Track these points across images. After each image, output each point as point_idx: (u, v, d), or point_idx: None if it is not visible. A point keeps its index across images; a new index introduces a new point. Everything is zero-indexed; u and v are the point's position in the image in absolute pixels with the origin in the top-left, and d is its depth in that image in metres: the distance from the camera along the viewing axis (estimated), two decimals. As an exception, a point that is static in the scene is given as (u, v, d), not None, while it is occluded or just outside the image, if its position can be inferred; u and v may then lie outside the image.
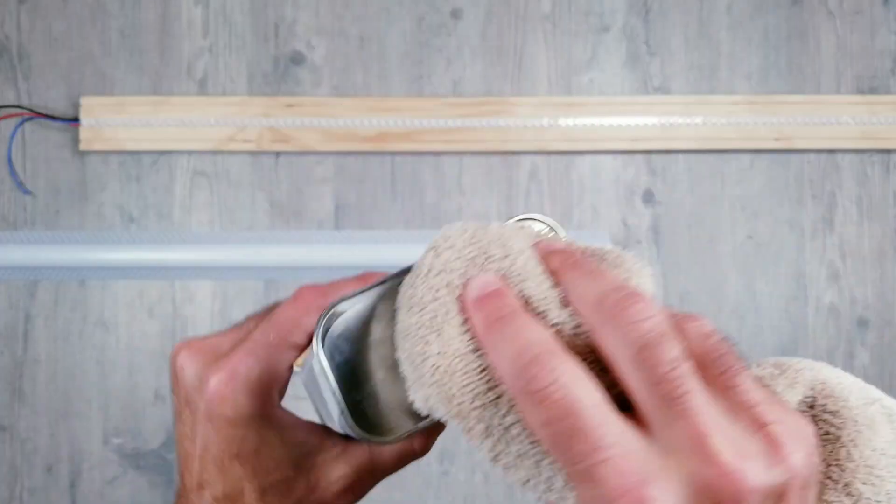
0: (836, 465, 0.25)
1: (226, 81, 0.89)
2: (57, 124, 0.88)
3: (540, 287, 0.24)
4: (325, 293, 0.30)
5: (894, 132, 0.87)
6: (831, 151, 0.88)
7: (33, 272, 0.87)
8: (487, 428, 0.23)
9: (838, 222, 0.89)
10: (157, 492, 0.88)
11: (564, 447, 0.21)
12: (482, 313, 0.23)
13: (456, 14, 0.89)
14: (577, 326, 0.23)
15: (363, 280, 0.30)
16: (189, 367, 0.30)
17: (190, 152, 0.88)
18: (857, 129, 0.87)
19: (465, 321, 0.23)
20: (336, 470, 0.31)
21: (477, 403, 0.22)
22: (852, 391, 0.26)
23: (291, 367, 0.31)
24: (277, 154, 0.89)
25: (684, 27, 0.89)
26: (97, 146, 0.87)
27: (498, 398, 0.22)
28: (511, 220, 0.28)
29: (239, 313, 0.88)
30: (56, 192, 0.88)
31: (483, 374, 0.23)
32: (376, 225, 0.88)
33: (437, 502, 0.88)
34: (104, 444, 0.88)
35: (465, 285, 0.24)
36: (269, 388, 0.30)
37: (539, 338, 0.22)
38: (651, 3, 0.89)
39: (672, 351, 0.21)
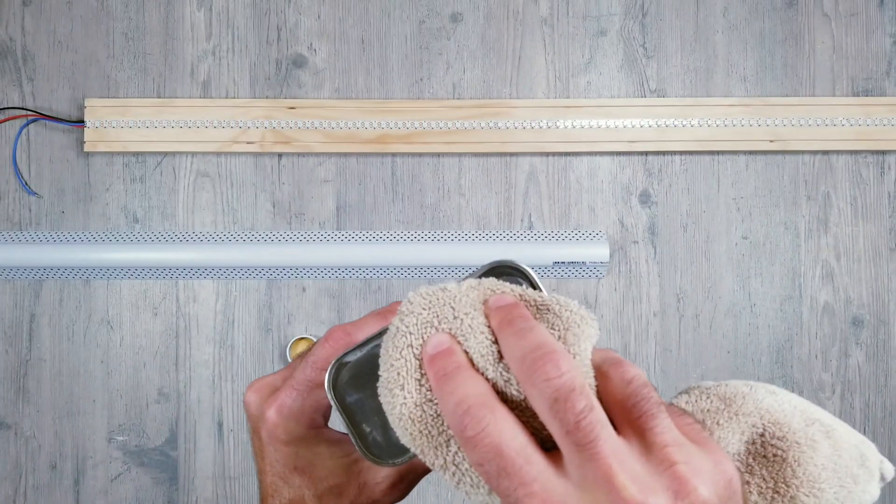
0: (784, 482, 0.29)
1: (229, 84, 0.89)
2: (61, 126, 0.89)
3: (481, 345, 0.27)
4: (351, 332, 0.35)
5: (888, 133, 0.88)
6: (826, 153, 0.89)
7: (38, 272, 0.88)
8: (444, 462, 0.27)
9: (833, 223, 0.89)
10: (160, 489, 0.88)
11: (496, 483, 0.24)
12: (433, 369, 0.27)
13: (455, 18, 0.90)
14: (508, 380, 0.27)
15: (384, 315, 0.35)
16: (253, 402, 0.37)
17: (193, 154, 0.89)
18: (852, 131, 0.88)
19: (423, 375, 0.28)
20: (380, 473, 0.37)
21: (433, 444, 0.27)
22: (794, 415, 0.29)
23: None
24: (279, 155, 0.89)
25: (680, 30, 0.90)
26: (101, 148, 0.88)
27: (448, 440, 0.27)
28: (483, 267, 0.32)
29: (242, 312, 0.89)
30: (61, 192, 0.89)
31: (437, 419, 0.27)
32: (377, 225, 0.89)
33: (437, 500, 0.89)
34: (108, 442, 0.88)
35: (424, 344, 0.28)
36: (313, 415, 0.36)
37: (474, 391, 0.26)
38: (648, 6, 0.90)
39: (580, 403, 0.24)
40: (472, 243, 0.88)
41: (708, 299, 0.89)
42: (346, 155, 0.89)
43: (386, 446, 0.31)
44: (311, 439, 0.37)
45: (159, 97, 0.89)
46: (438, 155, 0.89)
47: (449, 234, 0.89)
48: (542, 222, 0.89)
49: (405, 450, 0.30)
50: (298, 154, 0.89)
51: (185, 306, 0.89)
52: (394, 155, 0.89)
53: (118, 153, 0.89)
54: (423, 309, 0.28)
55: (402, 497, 0.39)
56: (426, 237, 0.88)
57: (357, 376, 0.32)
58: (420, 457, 0.27)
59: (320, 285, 0.89)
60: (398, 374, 0.28)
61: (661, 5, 0.90)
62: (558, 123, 0.88)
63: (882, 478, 0.30)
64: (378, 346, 0.31)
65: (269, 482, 0.38)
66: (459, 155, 0.89)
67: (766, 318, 0.89)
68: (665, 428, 0.24)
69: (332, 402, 0.32)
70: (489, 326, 0.28)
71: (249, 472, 0.88)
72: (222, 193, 0.89)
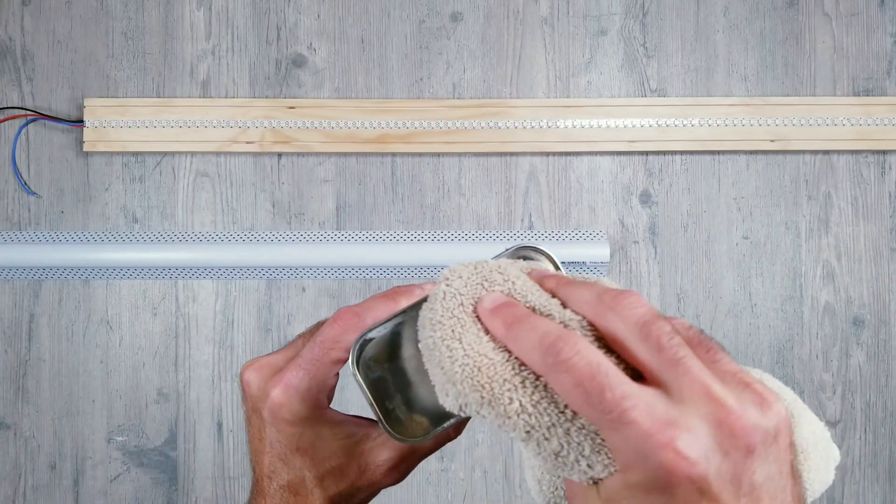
0: None
1: (228, 83, 0.89)
2: (61, 126, 0.89)
3: (541, 298, 0.29)
4: (360, 314, 0.35)
5: (889, 133, 0.88)
6: (827, 152, 0.89)
7: (38, 272, 0.88)
8: (520, 405, 0.26)
9: (834, 222, 0.89)
10: (159, 489, 0.88)
11: (596, 401, 0.25)
12: (498, 319, 0.28)
13: (455, 17, 0.90)
14: (578, 322, 0.28)
15: (391, 297, 0.36)
16: (254, 381, 0.37)
17: (193, 153, 0.89)
18: (853, 131, 0.88)
19: (481, 329, 0.28)
20: (381, 454, 0.37)
21: (507, 387, 0.27)
22: (784, 391, 0.31)
23: (336, 376, 0.37)
24: (279, 155, 0.89)
25: (681, 30, 0.90)
26: (101, 147, 0.88)
27: (523, 381, 0.27)
28: (507, 251, 0.33)
29: (241, 313, 0.89)
30: (60, 192, 0.89)
31: (506, 363, 0.27)
32: (377, 225, 0.89)
33: (437, 500, 0.89)
34: (107, 442, 0.88)
35: (479, 302, 0.29)
36: (318, 395, 0.36)
37: (554, 326, 0.27)
38: (648, 6, 0.90)
39: (665, 326, 0.26)
40: (472, 243, 0.88)
41: (708, 299, 0.89)
42: (345, 155, 0.89)
43: (408, 424, 0.32)
44: (314, 419, 0.37)
45: (159, 97, 0.89)
46: (438, 155, 0.89)
47: (449, 235, 0.89)
48: (543, 222, 0.89)
49: (428, 426, 0.32)
50: (298, 154, 0.89)
51: (184, 306, 0.89)
52: (394, 155, 0.89)
53: (117, 153, 0.89)
54: (470, 275, 0.30)
55: (400, 479, 0.39)
56: (426, 237, 0.88)
57: (379, 354, 0.32)
58: (486, 410, 0.27)
59: (320, 285, 0.89)
60: (452, 331, 0.28)
61: (661, 5, 0.90)
62: (558, 123, 0.87)
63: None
64: (401, 323, 0.32)
65: (266, 463, 0.37)
66: (459, 155, 0.89)
67: (767, 318, 0.89)
68: (730, 360, 0.27)
69: (358, 380, 0.32)
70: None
71: (249, 471, 0.88)
72: (222, 193, 0.89)
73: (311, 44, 0.90)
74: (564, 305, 0.28)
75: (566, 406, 0.26)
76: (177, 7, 0.90)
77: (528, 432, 0.26)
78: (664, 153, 0.89)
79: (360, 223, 0.89)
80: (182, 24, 0.90)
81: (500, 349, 0.28)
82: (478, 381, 0.27)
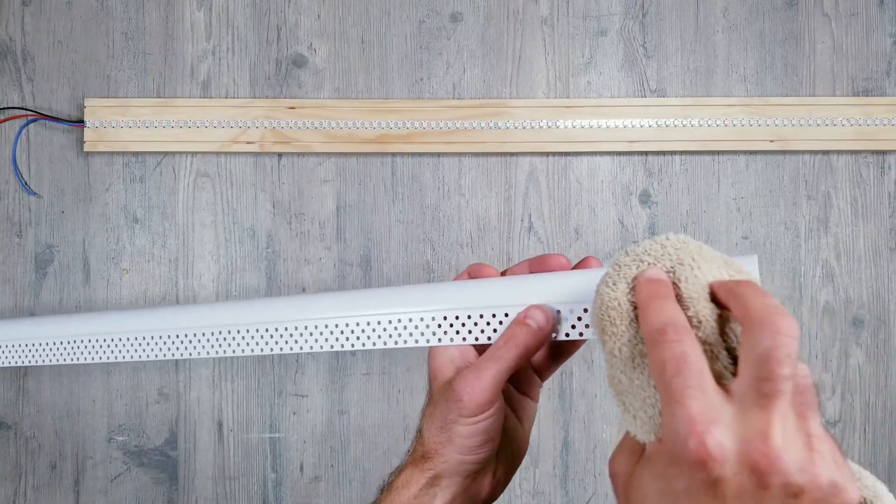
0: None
1: (228, 84, 0.90)
2: (61, 126, 0.89)
3: (696, 285, 0.34)
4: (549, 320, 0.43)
5: (888, 133, 0.88)
6: (826, 153, 0.89)
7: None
8: (616, 345, 0.34)
9: (833, 223, 0.89)
10: (160, 489, 0.88)
11: (670, 377, 0.30)
12: (647, 289, 0.34)
13: (455, 17, 0.90)
14: (705, 319, 0.33)
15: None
16: (442, 373, 0.44)
17: (193, 154, 0.89)
18: (852, 131, 0.88)
19: (631, 290, 0.35)
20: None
21: (621, 328, 0.34)
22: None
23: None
24: (279, 155, 0.89)
25: (681, 30, 0.90)
26: (101, 147, 0.88)
27: (634, 333, 0.34)
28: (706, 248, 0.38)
29: (241, 312, 0.89)
30: (61, 192, 0.89)
31: (629, 315, 0.34)
32: (377, 225, 0.89)
33: (436, 499, 0.89)
34: (108, 442, 0.89)
35: (644, 270, 0.35)
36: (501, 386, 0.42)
37: (679, 314, 0.32)
38: (648, 6, 0.90)
39: (788, 367, 0.28)
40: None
41: (708, 299, 0.89)
42: (346, 155, 0.89)
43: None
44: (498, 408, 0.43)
45: (159, 97, 0.89)
46: (438, 155, 0.89)
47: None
48: (542, 222, 0.89)
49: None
50: (298, 154, 0.89)
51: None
52: (394, 155, 0.89)
53: (118, 153, 0.89)
54: (644, 252, 0.36)
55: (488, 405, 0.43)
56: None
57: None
58: (603, 337, 0.35)
59: (320, 285, 0.89)
60: (613, 281, 0.35)
61: (661, 5, 0.90)
62: (558, 123, 0.88)
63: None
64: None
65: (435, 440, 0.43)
66: (459, 155, 0.89)
67: (767, 318, 0.89)
68: (818, 423, 0.29)
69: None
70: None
71: (249, 472, 0.89)
72: (222, 193, 0.89)
73: (311, 44, 0.90)
74: (717, 301, 0.33)
75: (648, 374, 0.32)
76: (177, 7, 0.90)
77: (611, 360, 0.34)
78: (664, 153, 0.89)
79: (360, 223, 0.89)
80: (182, 25, 0.90)
81: (633, 305, 0.34)
82: (603, 314, 0.35)
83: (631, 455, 0.33)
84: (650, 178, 0.89)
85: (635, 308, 0.34)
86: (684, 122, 0.88)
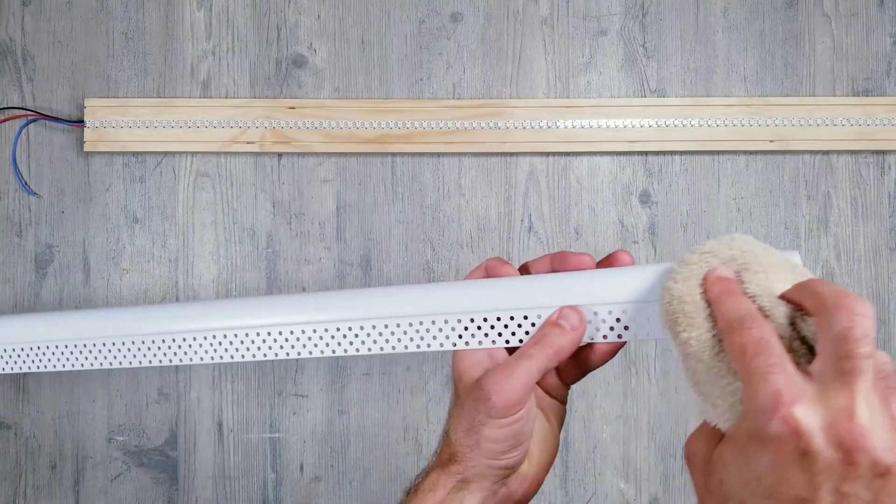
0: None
1: (228, 84, 0.90)
2: (61, 126, 0.89)
3: (765, 282, 0.35)
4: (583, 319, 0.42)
5: (888, 133, 0.88)
6: (826, 153, 0.89)
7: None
8: (697, 337, 0.35)
9: (833, 223, 0.89)
10: (160, 489, 0.88)
11: (751, 357, 0.30)
12: (721, 284, 0.35)
13: (455, 17, 0.90)
14: (784, 311, 0.34)
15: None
16: (467, 374, 0.43)
17: (193, 154, 0.89)
18: (852, 131, 0.88)
19: (702, 283, 0.36)
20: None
21: (697, 320, 0.35)
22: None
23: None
24: (279, 155, 0.89)
25: (681, 30, 0.90)
26: (101, 147, 0.88)
27: (711, 325, 0.35)
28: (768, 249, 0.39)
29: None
30: (61, 192, 0.89)
31: (703, 309, 0.36)
32: (377, 225, 0.89)
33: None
34: (108, 442, 0.89)
35: (713, 269, 0.36)
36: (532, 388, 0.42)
37: (753, 308, 0.33)
38: (648, 6, 0.90)
39: (869, 346, 0.29)
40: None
41: (708, 299, 0.89)
42: (346, 155, 0.89)
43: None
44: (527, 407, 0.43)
45: (159, 97, 0.89)
46: (438, 155, 0.89)
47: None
48: (542, 222, 0.89)
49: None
50: (298, 154, 0.89)
51: (184, 306, 0.89)
52: (394, 155, 0.89)
53: (118, 153, 0.89)
54: (710, 252, 0.38)
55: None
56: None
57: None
58: (676, 329, 0.36)
59: (321, 285, 0.89)
60: (687, 276, 0.37)
61: (661, 5, 0.90)
62: (558, 123, 0.88)
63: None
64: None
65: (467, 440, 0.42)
66: (459, 155, 0.89)
67: (767, 318, 0.89)
68: None
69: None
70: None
71: (249, 472, 0.89)
72: (222, 193, 0.89)
73: (311, 44, 0.90)
74: (783, 297, 0.34)
75: (726, 362, 0.33)
76: (177, 7, 0.90)
77: (681, 347, 0.36)
78: (664, 153, 0.89)
79: (360, 223, 0.89)
80: (182, 25, 0.90)
81: (705, 300, 0.36)
82: (678, 306, 0.36)
83: (709, 439, 0.33)
84: (650, 178, 0.89)
85: (707, 304, 0.36)
86: (684, 122, 0.88)
